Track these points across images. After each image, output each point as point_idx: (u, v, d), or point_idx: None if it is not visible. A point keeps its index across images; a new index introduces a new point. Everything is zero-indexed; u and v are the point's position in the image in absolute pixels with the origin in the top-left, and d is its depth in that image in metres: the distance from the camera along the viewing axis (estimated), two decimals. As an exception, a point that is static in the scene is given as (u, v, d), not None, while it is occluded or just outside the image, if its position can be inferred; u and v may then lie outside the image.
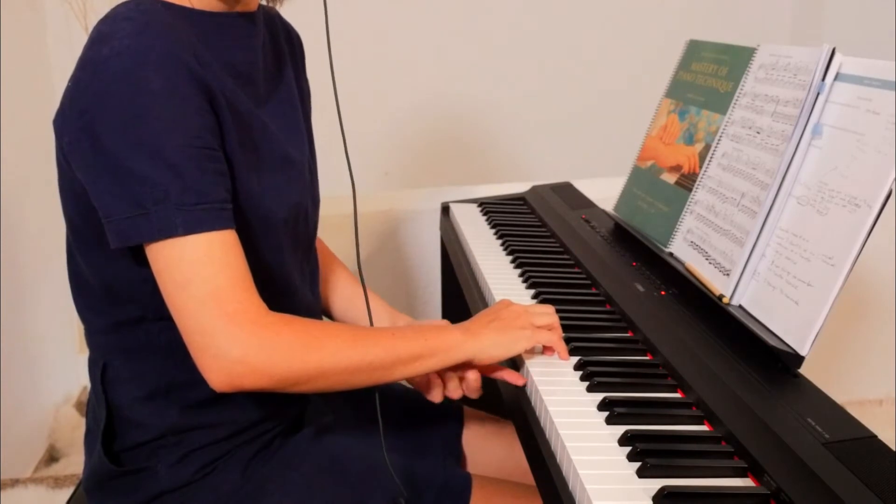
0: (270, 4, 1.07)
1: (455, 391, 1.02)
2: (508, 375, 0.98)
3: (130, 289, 0.93)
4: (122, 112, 0.82)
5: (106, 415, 0.97)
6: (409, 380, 1.10)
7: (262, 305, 0.87)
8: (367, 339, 0.91)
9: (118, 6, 0.90)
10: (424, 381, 1.05)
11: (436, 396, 1.03)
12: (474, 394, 1.02)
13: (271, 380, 0.85)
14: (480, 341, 0.95)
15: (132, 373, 0.97)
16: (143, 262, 0.87)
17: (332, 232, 1.33)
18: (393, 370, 0.92)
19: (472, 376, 1.00)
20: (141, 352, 0.96)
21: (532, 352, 1.01)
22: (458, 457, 1.18)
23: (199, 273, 0.83)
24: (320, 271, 1.18)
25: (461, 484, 1.05)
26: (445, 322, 1.01)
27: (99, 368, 0.98)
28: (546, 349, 1.01)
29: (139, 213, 0.82)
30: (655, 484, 0.75)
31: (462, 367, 0.99)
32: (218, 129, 0.89)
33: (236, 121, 0.92)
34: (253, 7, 1.00)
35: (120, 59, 0.82)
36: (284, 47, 1.09)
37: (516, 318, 0.98)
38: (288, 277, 1.02)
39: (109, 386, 0.98)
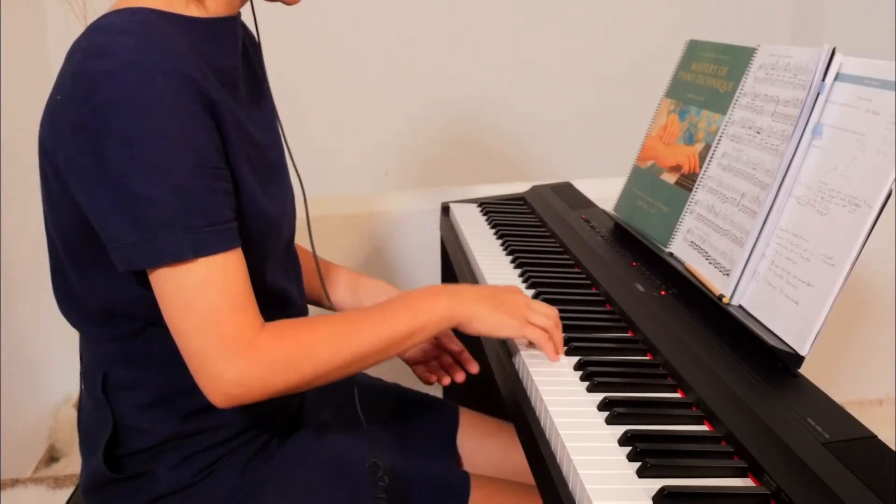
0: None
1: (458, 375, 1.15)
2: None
3: (129, 305, 0.92)
4: (127, 132, 0.79)
5: (112, 423, 0.96)
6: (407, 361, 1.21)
7: (257, 324, 0.87)
8: (358, 329, 0.91)
9: (108, 15, 0.87)
10: (422, 370, 1.19)
11: (444, 381, 1.18)
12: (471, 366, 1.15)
13: (269, 394, 0.87)
14: (470, 311, 0.96)
15: (133, 381, 0.96)
16: (146, 282, 0.86)
17: (331, 232, 1.33)
18: (387, 352, 0.93)
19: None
20: (141, 361, 0.95)
21: (529, 346, 1.01)
22: (456, 455, 1.18)
23: (202, 296, 0.83)
24: (324, 275, 1.19)
25: (461, 483, 1.05)
26: (437, 286, 1.00)
27: (100, 377, 0.96)
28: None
29: (147, 238, 0.81)
30: (655, 484, 0.75)
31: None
32: (223, 145, 0.88)
33: (236, 132, 0.90)
34: (237, 10, 0.98)
35: (123, 75, 0.80)
36: (250, 48, 1.07)
37: (514, 306, 0.98)
38: (281, 281, 1.03)
39: (112, 394, 0.97)
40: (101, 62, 0.81)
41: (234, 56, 0.97)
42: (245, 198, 0.90)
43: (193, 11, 0.92)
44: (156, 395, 0.96)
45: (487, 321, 0.96)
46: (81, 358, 1.03)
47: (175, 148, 0.81)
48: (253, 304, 0.87)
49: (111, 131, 0.80)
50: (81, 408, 1.04)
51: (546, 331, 0.99)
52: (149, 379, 0.96)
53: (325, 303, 1.22)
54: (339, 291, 1.24)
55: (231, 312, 0.84)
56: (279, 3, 0.98)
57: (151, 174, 0.80)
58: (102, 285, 0.91)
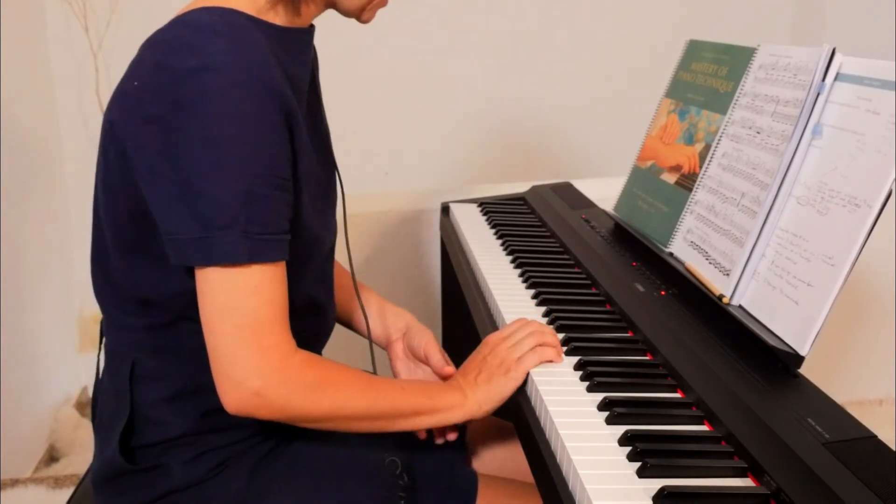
0: None
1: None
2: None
3: (167, 297, 0.92)
4: (205, 130, 0.80)
5: (129, 412, 0.97)
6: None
7: (293, 343, 0.88)
8: (377, 390, 0.94)
9: (196, 11, 0.86)
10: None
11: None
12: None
13: (283, 414, 0.88)
14: (475, 399, 0.98)
15: (160, 372, 0.96)
16: (190, 277, 0.86)
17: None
18: (394, 422, 0.95)
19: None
20: (170, 353, 0.96)
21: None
22: (464, 454, 1.18)
23: (245, 302, 0.83)
24: None
25: (468, 482, 1.05)
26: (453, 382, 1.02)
27: (128, 366, 0.96)
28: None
29: (205, 236, 0.81)
30: (655, 484, 0.75)
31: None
32: (293, 157, 0.88)
33: (301, 144, 0.90)
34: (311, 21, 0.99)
35: (211, 75, 0.80)
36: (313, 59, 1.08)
37: (500, 363, 0.99)
38: (316, 290, 1.04)
39: (136, 384, 0.97)
40: (188, 58, 0.81)
41: (305, 67, 0.98)
42: (298, 211, 0.91)
43: (284, 20, 0.93)
44: (180, 388, 0.96)
45: (490, 398, 0.98)
46: (102, 344, 1.03)
47: (249, 154, 0.81)
48: (287, 321, 0.88)
49: (189, 127, 0.80)
50: (100, 394, 1.04)
51: (536, 348, 0.99)
52: (175, 372, 0.96)
53: (354, 325, 1.24)
54: (371, 313, 1.24)
55: (272, 324, 0.85)
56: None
57: (221, 175, 0.81)
58: (144, 273, 0.92)
